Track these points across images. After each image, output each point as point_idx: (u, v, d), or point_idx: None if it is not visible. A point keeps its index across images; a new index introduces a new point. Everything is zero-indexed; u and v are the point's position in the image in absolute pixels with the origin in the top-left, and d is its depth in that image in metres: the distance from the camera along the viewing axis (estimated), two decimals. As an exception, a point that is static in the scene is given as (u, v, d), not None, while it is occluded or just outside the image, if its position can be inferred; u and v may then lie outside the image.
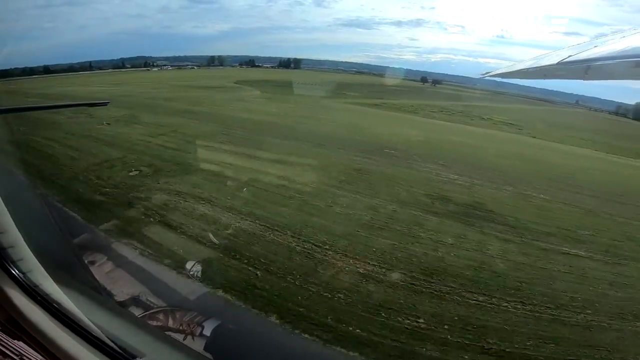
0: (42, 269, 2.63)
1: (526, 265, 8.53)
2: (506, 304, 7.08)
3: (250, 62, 31.32)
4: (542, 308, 7.06)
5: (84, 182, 11.55)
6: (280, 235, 8.92)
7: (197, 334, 4.96)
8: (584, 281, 8.14)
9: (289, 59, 30.91)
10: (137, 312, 5.39)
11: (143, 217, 9.52)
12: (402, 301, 6.95)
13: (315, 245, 8.56)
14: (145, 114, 20.93)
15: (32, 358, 1.88)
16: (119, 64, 29.20)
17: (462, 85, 28.61)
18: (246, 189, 11.65)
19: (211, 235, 8.85)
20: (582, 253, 9.25)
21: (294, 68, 31.09)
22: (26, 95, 22.01)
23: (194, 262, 7.41)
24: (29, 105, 19.65)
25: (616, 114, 24.34)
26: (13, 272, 2.41)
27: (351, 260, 8.09)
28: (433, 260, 8.41)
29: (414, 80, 29.89)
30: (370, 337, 6.06)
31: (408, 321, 6.46)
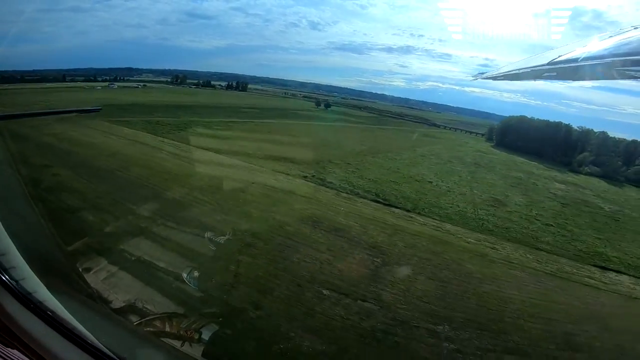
0: (36, 277, 2.61)
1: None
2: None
3: (207, 83, 30.69)
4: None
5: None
6: None
7: (190, 338, 4.94)
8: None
9: (238, 81, 30.32)
10: (130, 318, 5.34)
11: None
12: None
13: None
14: None
15: (26, 365, 1.88)
16: (91, 77, 27.59)
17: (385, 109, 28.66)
18: None
19: None
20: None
21: (241, 90, 30.30)
22: None
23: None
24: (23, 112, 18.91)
25: (477, 133, 23.71)
26: (5, 280, 2.39)
27: None
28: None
29: (313, 102, 29.82)
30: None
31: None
